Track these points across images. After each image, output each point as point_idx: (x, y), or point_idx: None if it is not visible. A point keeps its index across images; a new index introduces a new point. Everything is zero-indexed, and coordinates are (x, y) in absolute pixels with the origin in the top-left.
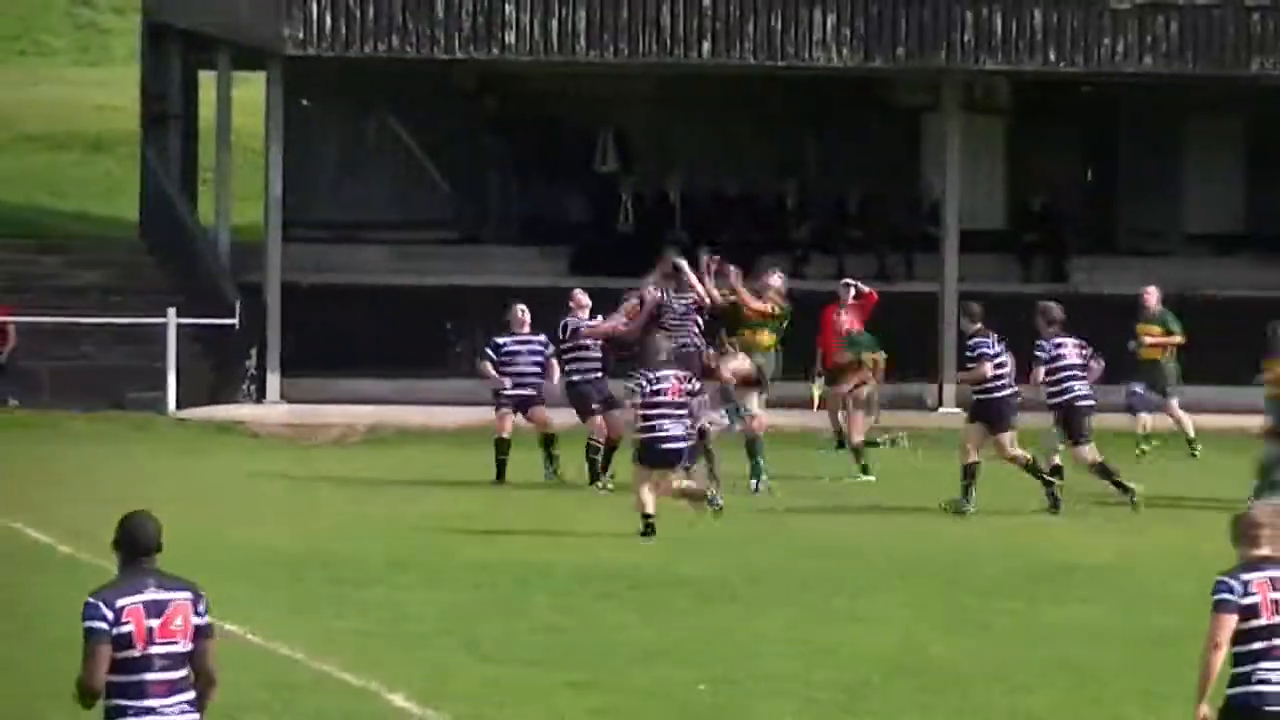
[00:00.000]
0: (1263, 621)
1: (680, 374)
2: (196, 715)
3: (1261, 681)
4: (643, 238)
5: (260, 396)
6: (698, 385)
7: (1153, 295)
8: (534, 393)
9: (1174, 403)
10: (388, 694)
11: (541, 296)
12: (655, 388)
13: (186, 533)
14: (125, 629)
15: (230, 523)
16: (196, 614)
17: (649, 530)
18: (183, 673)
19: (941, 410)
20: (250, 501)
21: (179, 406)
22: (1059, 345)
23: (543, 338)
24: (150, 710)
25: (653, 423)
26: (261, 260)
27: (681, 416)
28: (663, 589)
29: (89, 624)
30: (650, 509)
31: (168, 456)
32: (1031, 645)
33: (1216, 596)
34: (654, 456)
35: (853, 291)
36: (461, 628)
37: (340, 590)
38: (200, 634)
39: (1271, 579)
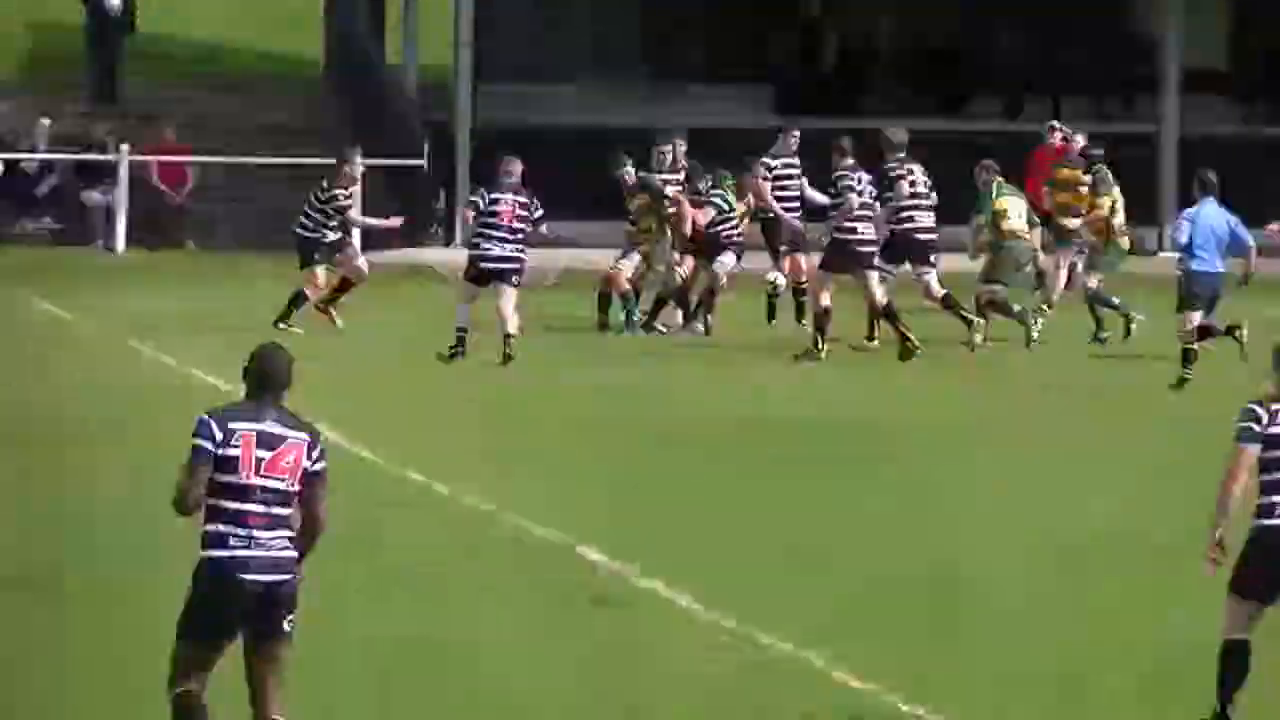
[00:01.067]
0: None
1: (519, 199)
2: (295, 554)
3: (1267, 514)
4: (846, 77)
5: (449, 239)
6: (539, 213)
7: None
8: None
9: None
10: (639, 578)
11: (748, 139)
12: (490, 208)
13: (389, 383)
14: (233, 452)
15: (427, 373)
16: (309, 458)
17: (457, 346)
18: (286, 511)
19: (1163, 254)
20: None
21: (365, 248)
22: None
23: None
24: (252, 540)
25: (478, 240)
26: (450, 105)
27: (507, 239)
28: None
29: (196, 441)
30: (461, 322)
31: (356, 300)
32: None
33: (1239, 424)
34: (475, 273)
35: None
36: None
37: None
38: (312, 479)
39: None
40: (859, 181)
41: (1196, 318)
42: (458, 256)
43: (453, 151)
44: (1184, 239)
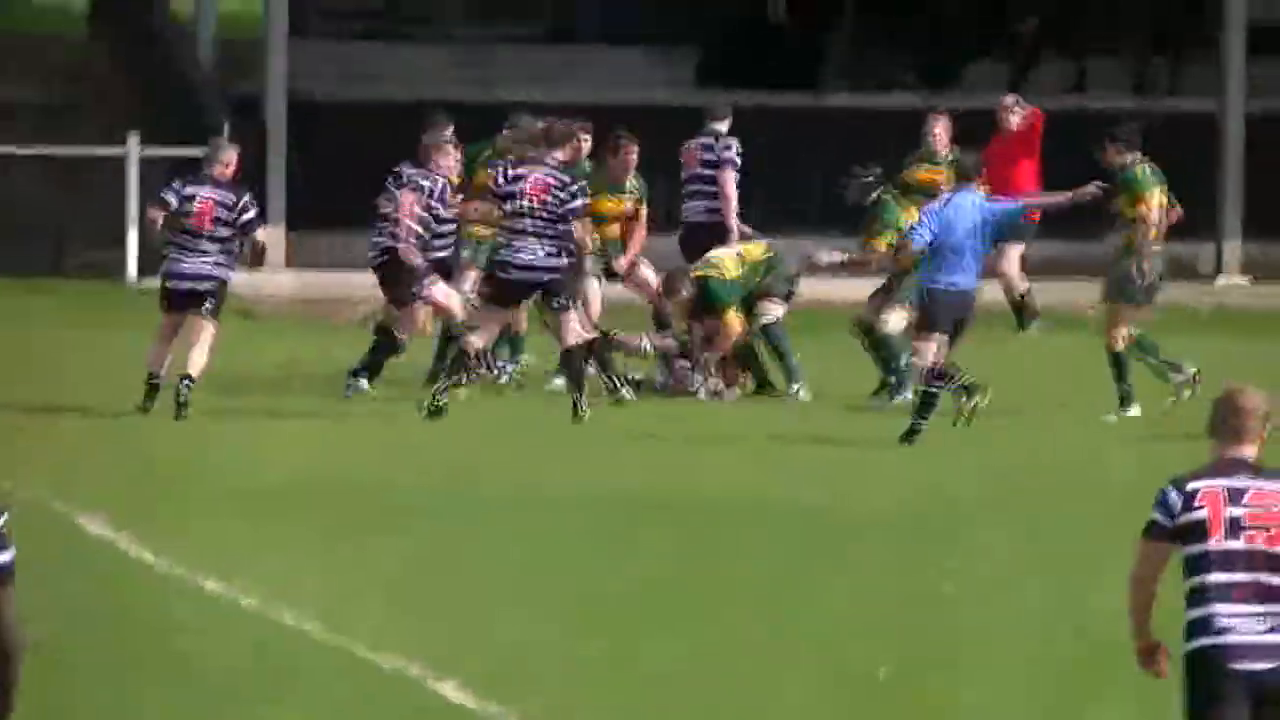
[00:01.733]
0: (1210, 547)
1: (219, 196)
2: None
3: (1220, 631)
4: (800, 34)
5: (257, 259)
6: (247, 216)
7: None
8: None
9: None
10: (435, 682)
11: (657, 116)
12: (183, 208)
13: (153, 457)
14: None
15: (215, 443)
16: None
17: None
18: None
19: (1223, 281)
20: (243, 411)
21: (143, 273)
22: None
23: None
24: None
25: (168, 250)
26: (260, 65)
27: (203, 251)
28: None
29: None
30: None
31: (126, 342)
32: None
33: (1150, 515)
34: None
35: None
36: (537, 581)
37: (367, 535)
38: None
39: (1230, 490)
40: None
41: (933, 348)
42: (273, 281)
43: (263, 135)
44: (921, 241)
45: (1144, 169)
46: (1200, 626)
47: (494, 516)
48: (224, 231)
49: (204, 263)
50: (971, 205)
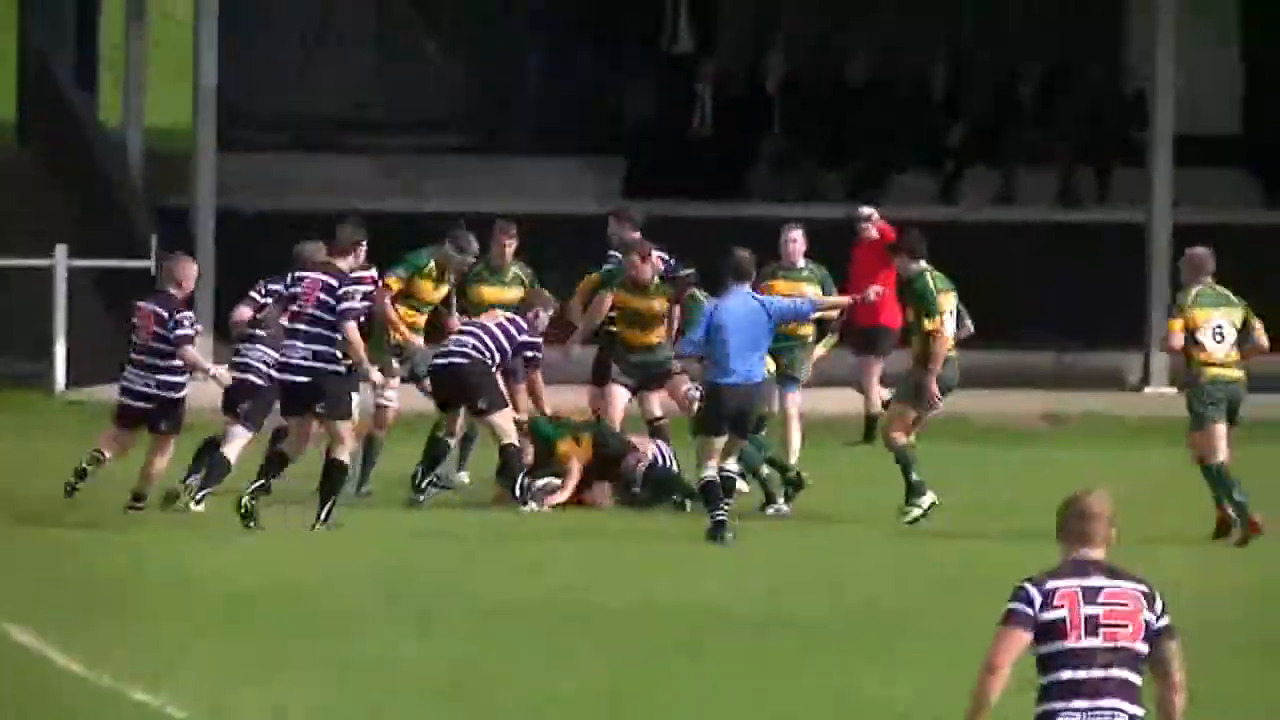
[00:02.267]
0: (1069, 645)
1: (157, 309)
2: None
3: None
4: (726, 144)
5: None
6: (179, 332)
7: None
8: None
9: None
10: None
11: (588, 225)
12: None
13: (93, 560)
14: None
15: (151, 548)
16: None
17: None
18: None
19: (1149, 390)
20: (175, 521)
21: (71, 383)
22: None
23: None
24: None
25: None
26: (189, 177)
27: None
28: (755, 635)
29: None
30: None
31: (54, 453)
32: None
33: (1009, 606)
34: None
35: (872, 227)
36: (475, 690)
37: (307, 642)
38: None
39: (1085, 589)
40: None
41: (714, 451)
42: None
43: (190, 246)
44: (689, 349)
45: (932, 278)
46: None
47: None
48: (159, 345)
49: (152, 380)
50: (743, 304)
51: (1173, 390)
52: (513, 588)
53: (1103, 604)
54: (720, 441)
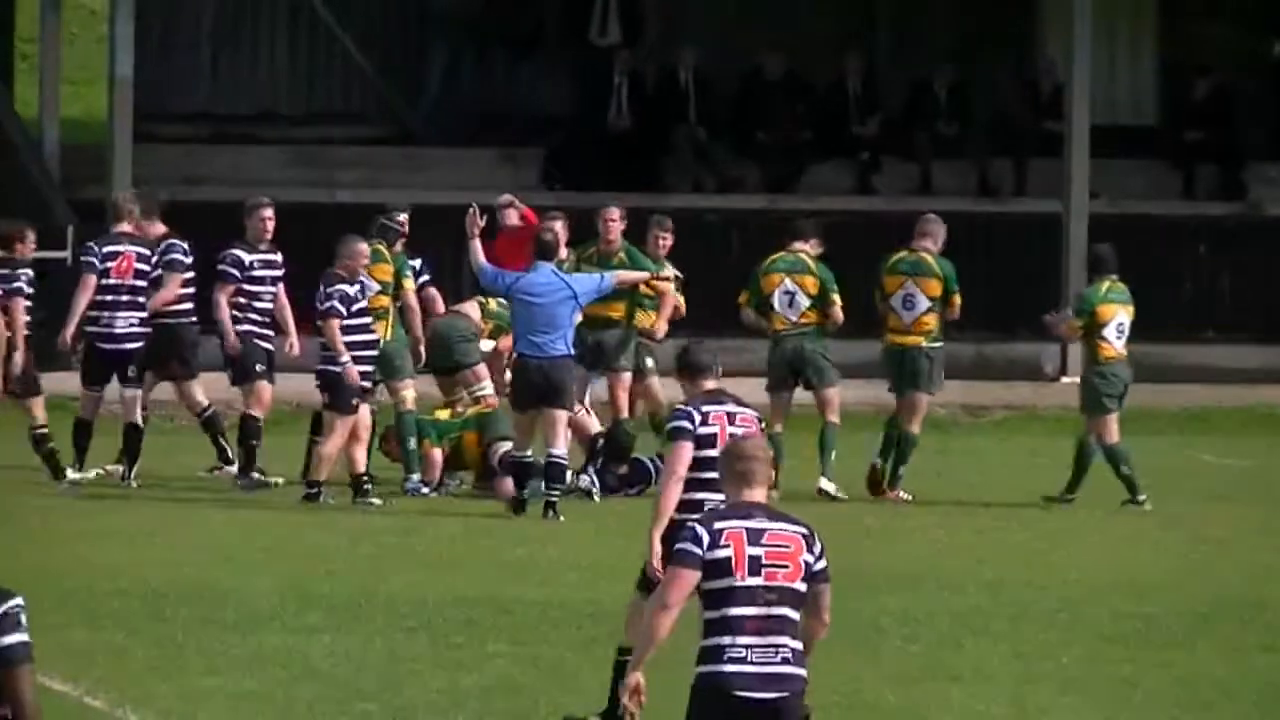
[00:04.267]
0: (734, 583)
1: None
2: None
3: (735, 660)
4: (644, 135)
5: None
6: None
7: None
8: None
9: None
10: None
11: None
12: None
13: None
14: None
15: (59, 546)
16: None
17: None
18: None
19: (1066, 380)
20: (87, 516)
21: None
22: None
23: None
24: None
25: None
26: (105, 168)
27: None
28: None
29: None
30: None
31: None
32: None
33: (677, 546)
34: None
35: (514, 214)
36: (388, 688)
37: (218, 636)
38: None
39: (750, 530)
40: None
41: (523, 426)
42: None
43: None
44: (484, 275)
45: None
46: (716, 655)
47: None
48: None
49: None
50: (546, 280)
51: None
52: (425, 585)
53: (765, 545)
54: (522, 419)
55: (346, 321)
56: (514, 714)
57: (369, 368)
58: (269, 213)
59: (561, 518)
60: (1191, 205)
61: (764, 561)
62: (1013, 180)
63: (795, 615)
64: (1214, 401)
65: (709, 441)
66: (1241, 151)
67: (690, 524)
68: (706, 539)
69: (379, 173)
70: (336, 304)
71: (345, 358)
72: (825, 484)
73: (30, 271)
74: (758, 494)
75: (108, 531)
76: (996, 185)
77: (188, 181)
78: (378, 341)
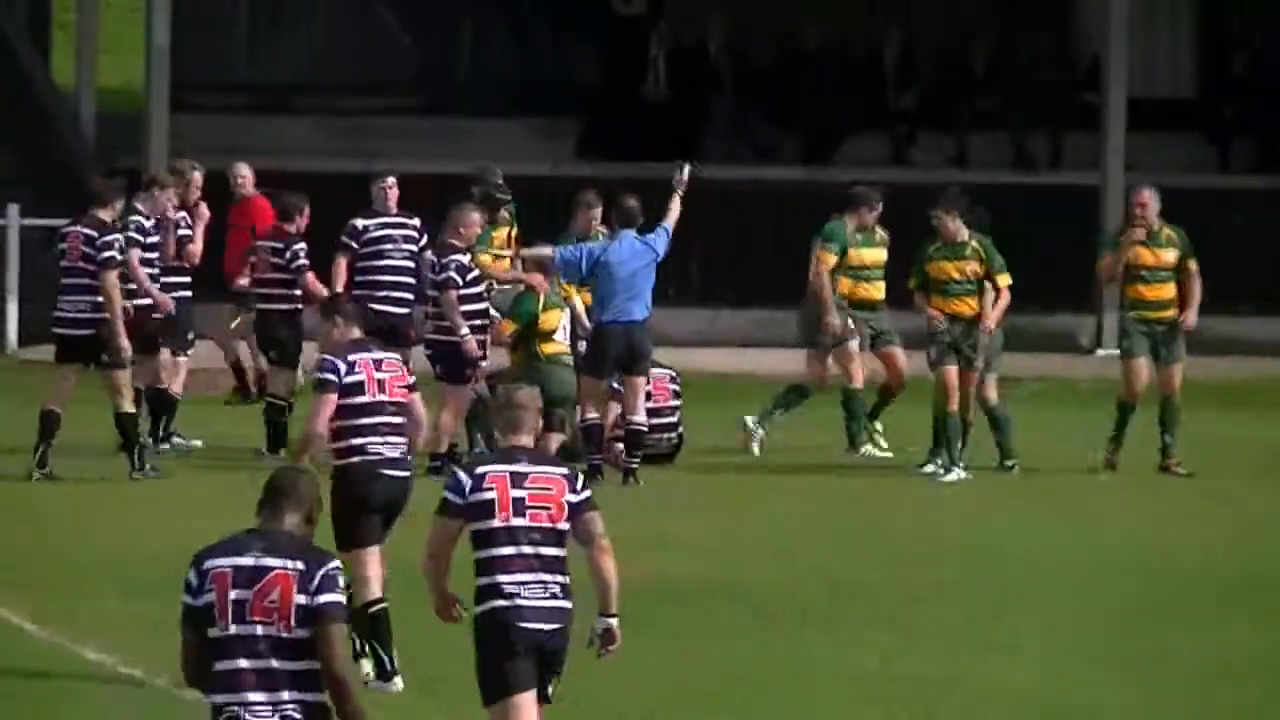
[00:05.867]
0: (497, 524)
1: None
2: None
3: (509, 596)
4: (679, 107)
5: None
6: None
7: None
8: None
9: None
10: None
11: (537, 188)
12: None
13: (50, 535)
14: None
15: (99, 514)
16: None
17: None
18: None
19: (1101, 353)
20: (132, 489)
21: (24, 343)
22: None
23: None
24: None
25: None
26: (141, 137)
27: None
28: (705, 606)
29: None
30: None
31: (7, 411)
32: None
33: (443, 494)
34: None
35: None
36: (415, 663)
37: None
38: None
39: (513, 474)
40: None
41: (601, 390)
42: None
43: None
44: (561, 257)
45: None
46: (491, 592)
47: None
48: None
49: None
50: (630, 246)
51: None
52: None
53: (528, 488)
54: (604, 385)
55: (463, 291)
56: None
57: (484, 337)
58: (391, 180)
59: (641, 483)
60: (1228, 178)
61: (528, 503)
62: (1049, 153)
63: (561, 552)
64: (1250, 374)
65: (356, 390)
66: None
67: (454, 470)
68: (469, 484)
69: (415, 143)
70: (453, 274)
71: (464, 329)
72: (869, 449)
73: (144, 223)
74: (524, 439)
75: (143, 499)
76: (1033, 158)
77: (224, 151)
78: (488, 310)
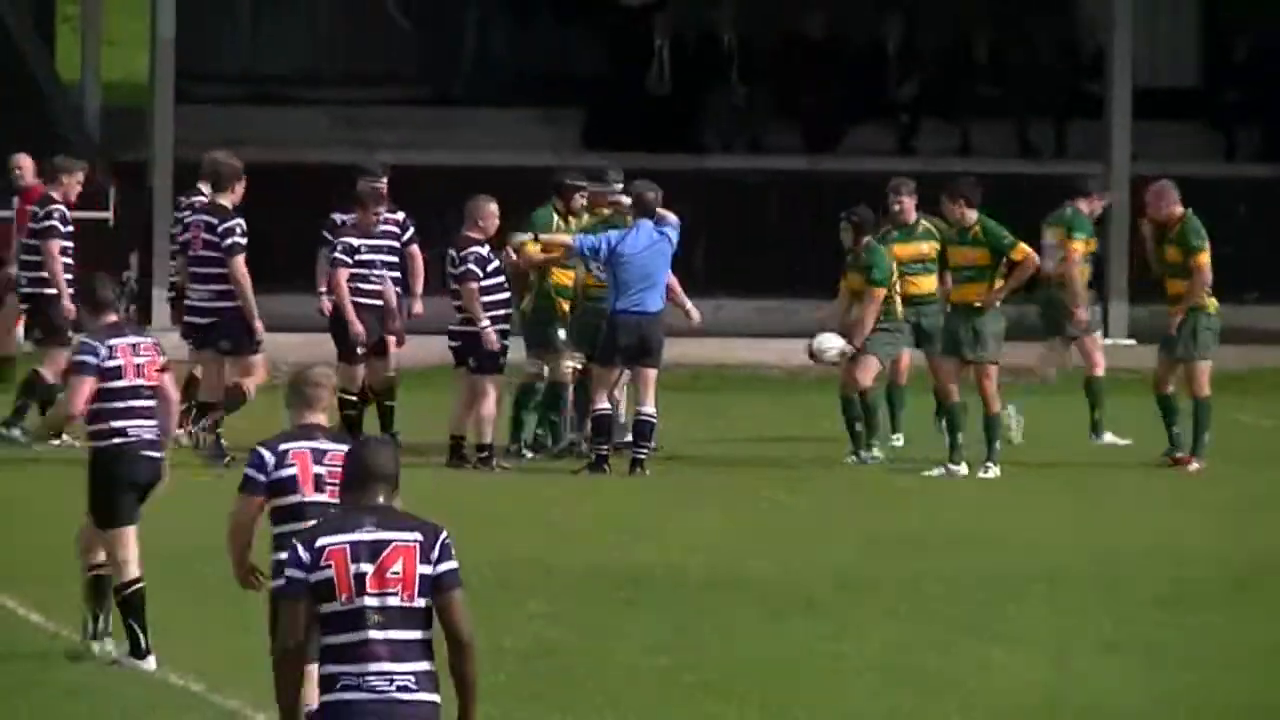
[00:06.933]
0: (302, 499)
1: None
2: (436, 699)
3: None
4: (684, 98)
5: (143, 322)
6: None
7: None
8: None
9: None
10: None
11: (543, 179)
12: None
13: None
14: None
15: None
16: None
17: None
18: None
19: (1107, 341)
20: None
21: (29, 336)
22: None
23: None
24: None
25: None
26: (146, 130)
27: None
28: (710, 596)
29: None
30: None
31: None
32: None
33: (245, 471)
34: None
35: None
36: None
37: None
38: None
39: (314, 450)
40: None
41: (611, 378)
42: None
43: (148, 201)
44: (585, 247)
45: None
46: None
47: None
48: None
49: None
50: (648, 236)
51: (1130, 342)
52: (463, 546)
53: (328, 465)
54: (613, 373)
55: (483, 283)
56: (553, 675)
57: (506, 327)
58: (383, 181)
59: (649, 472)
60: (1232, 167)
61: (327, 480)
62: (1053, 142)
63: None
64: (1255, 363)
65: (114, 374)
66: None
67: (256, 447)
68: (272, 460)
69: (419, 133)
70: (472, 266)
71: (484, 321)
72: (1109, 438)
73: (65, 210)
74: (319, 417)
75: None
76: (1037, 147)
77: (228, 142)
78: (509, 300)
